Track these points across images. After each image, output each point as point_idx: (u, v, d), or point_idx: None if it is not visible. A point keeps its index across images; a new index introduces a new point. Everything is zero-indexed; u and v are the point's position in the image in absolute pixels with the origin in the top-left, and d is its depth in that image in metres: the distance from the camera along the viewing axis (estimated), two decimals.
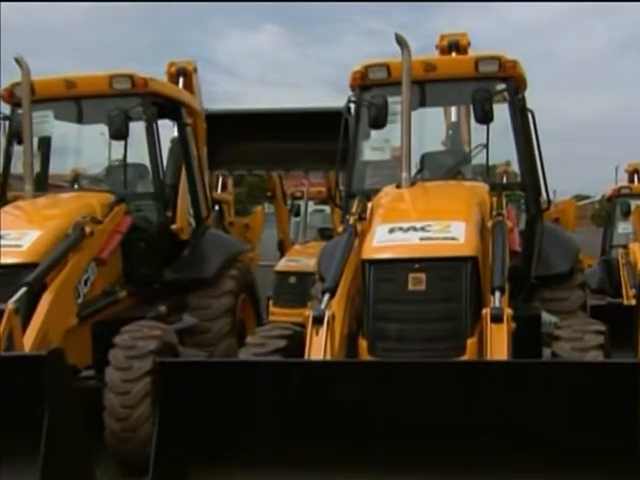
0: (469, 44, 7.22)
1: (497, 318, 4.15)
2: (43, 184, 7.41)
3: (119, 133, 6.81)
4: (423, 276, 4.54)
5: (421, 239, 4.69)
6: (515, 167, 6.99)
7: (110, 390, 5.46)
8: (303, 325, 4.51)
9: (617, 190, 13.85)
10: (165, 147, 7.61)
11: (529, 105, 6.41)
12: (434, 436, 3.34)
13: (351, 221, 5.24)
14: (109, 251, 6.40)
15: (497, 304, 4.26)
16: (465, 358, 4.38)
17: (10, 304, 5.02)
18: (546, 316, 5.66)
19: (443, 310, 4.55)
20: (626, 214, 12.91)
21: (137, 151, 7.14)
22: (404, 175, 5.49)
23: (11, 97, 7.05)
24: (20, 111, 6.75)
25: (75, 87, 7.04)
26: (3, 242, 5.74)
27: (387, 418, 3.36)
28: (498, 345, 4.10)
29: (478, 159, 6.36)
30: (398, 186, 5.53)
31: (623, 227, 13.11)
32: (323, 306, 4.43)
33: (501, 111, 6.22)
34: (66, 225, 6.05)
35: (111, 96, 6.96)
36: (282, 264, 11.13)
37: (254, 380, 3.52)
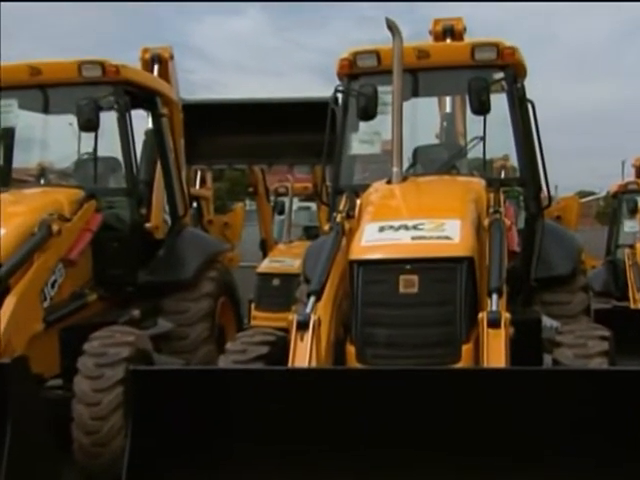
0: (465, 29, 7.24)
1: (494, 323, 4.16)
2: (6, 179, 7.40)
3: (89, 124, 6.78)
4: (415, 278, 4.54)
5: (413, 238, 4.69)
6: (514, 161, 7.02)
7: (79, 401, 5.44)
8: (287, 330, 4.51)
9: (623, 186, 13.87)
10: (139, 139, 7.58)
11: (529, 95, 6.45)
12: (426, 448, 3.34)
13: (338, 219, 5.26)
14: (78, 251, 6.38)
15: (494, 308, 4.26)
16: (460, 365, 4.39)
17: None
18: (547, 321, 5.68)
19: (437, 314, 4.55)
20: (633, 212, 12.93)
21: (108, 143, 7.10)
22: (395, 170, 5.49)
23: None
24: None
25: (41, 74, 7.01)
26: None
27: (376, 429, 3.36)
28: (495, 351, 4.10)
29: (474, 153, 6.37)
30: (389, 182, 5.53)
31: (629, 225, 13.09)
32: (308, 310, 4.44)
33: (499, 101, 6.23)
34: (31, 223, 6.03)
35: (80, 84, 6.95)
36: (265, 265, 11.14)
37: (234, 390, 3.51)
